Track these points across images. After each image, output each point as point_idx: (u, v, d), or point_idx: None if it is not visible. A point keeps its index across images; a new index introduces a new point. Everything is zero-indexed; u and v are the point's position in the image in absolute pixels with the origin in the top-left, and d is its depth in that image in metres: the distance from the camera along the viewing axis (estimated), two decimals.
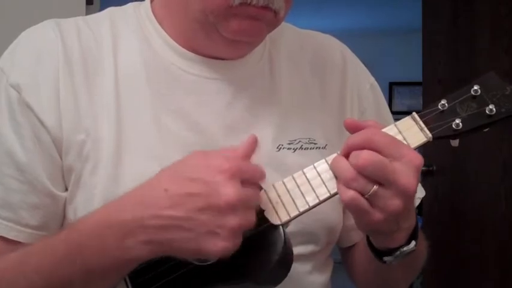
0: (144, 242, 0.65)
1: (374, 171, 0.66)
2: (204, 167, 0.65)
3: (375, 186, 0.66)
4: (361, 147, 0.67)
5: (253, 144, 0.69)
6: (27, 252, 0.73)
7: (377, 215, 0.67)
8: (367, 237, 0.79)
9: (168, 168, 0.67)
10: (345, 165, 0.68)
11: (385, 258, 0.76)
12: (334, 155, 0.71)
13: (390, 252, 0.75)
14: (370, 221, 0.68)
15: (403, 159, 0.67)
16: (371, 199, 0.66)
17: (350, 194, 0.67)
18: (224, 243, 0.63)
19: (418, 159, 0.67)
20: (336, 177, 0.70)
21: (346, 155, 0.69)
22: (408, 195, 0.67)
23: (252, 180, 0.67)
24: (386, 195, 0.66)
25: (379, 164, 0.66)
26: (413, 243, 0.75)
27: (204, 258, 0.66)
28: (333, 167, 0.70)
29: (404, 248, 0.74)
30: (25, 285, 0.72)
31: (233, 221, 0.63)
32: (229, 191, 0.63)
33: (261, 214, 0.69)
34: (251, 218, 0.66)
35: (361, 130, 0.69)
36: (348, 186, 0.67)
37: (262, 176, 0.68)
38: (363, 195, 0.66)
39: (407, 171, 0.66)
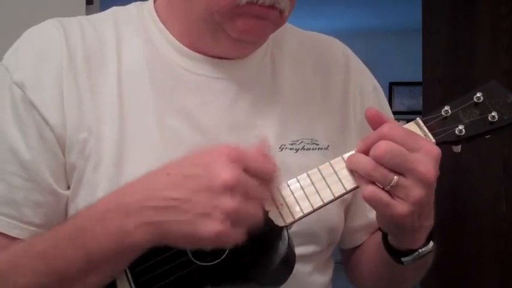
0: (143, 224, 0.64)
1: (393, 159, 0.67)
2: (207, 153, 0.65)
3: (395, 177, 0.67)
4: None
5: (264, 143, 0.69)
6: (32, 242, 0.73)
7: (400, 207, 0.67)
8: (384, 238, 0.79)
9: (173, 160, 0.68)
10: (364, 158, 0.68)
11: (404, 259, 0.76)
12: (339, 158, 0.72)
13: (408, 253, 0.75)
14: (394, 214, 0.68)
15: (420, 150, 0.68)
16: (393, 190, 0.67)
17: (370, 189, 0.68)
18: (217, 226, 0.62)
19: (436, 150, 0.68)
20: (340, 180, 0.70)
21: (363, 153, 0.70)
22: (428, 184, 0.67)
23: (258, 172, 0.66)
24: (407, 185, 0.67)
25: (397, 152, 0.67)
26: (431, 243, 0.75)
27: (198, 246, 0.65)
28: (351, 164, 0.70)
29: (424, 249, 0.75)
30: (29, 272, 0.71)
31: (228, 203, 0.62)
32: (227, 173, 0.62)
33: (265, 215, 0.69)
34: (253, 209, 0.64)
35: (380, 122, 0.70)
36: (369, 177, 0.68)
37: (269, 169, 0.67)
38: (384, 186, 0.67)
39: (425, 160, 0.67)
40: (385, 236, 0.79)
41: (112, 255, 0.67)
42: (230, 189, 0.62)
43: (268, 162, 0.67)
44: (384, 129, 0.69)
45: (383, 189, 0.68)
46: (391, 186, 0.67)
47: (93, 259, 0.67)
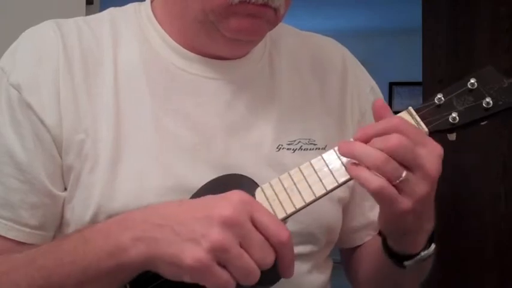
0: (137, 238, 0.65)
1: (405, 154, 0.65)
2: (221, 196, 0.66)
3: (405, 172, 0.65)
4: (387, 133, 0.67)
5: None
6: (34, 256, 0.72)
7: (405, 203, 0.66)
8: (384, 243, 0.77)
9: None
10: (373, 151, 0.66)
11: (406, 263, 0.75)
12: (331, 151, 0.70)
13: (410, 256, 0.74)
14: (398, 210, 0.67)
15: (426, 147, 0.67)
16: (400, 185, 0.65)
17: (379, 181, 0.65)
18: (200, 253, 0.62)
19: (439, 148, 0.67)
20: (332, 173, 0.69)
21: (363, 142, 0.68)
22: (432, 181, 0.66)
23: (265, 228, 0.64)
24: (414, 181, 0.66)
25: (409, 147, 0.65)
26: (432, 246, 0.74)
27: (180, 275, 0.64)
28: (355, 154, 0.67)
29: (425, 252, 0.74)
30: (25, 284, 0.71)
31: (216, 234, 0.62)
32: (230, 209, 0.63)
33: None
34: (246, 261, 0.62)
35: (385, 114, 0.70)
36: (378, 170, 0.65)
37: (282, 235, 0.64)
38: (393, 181, 0.65)
39: (431, 157, 0.66)
40: (384, 241, 0.77)
41: (107, 272, 0.67)
42: (226, 225, 0.62)
43: (282, 229, 0.65)
44: (395, 121, 0.68)
45: (390, 183, 0.66)
46: (401, 180, 0.65)
47: (88, 274, 0.67)
